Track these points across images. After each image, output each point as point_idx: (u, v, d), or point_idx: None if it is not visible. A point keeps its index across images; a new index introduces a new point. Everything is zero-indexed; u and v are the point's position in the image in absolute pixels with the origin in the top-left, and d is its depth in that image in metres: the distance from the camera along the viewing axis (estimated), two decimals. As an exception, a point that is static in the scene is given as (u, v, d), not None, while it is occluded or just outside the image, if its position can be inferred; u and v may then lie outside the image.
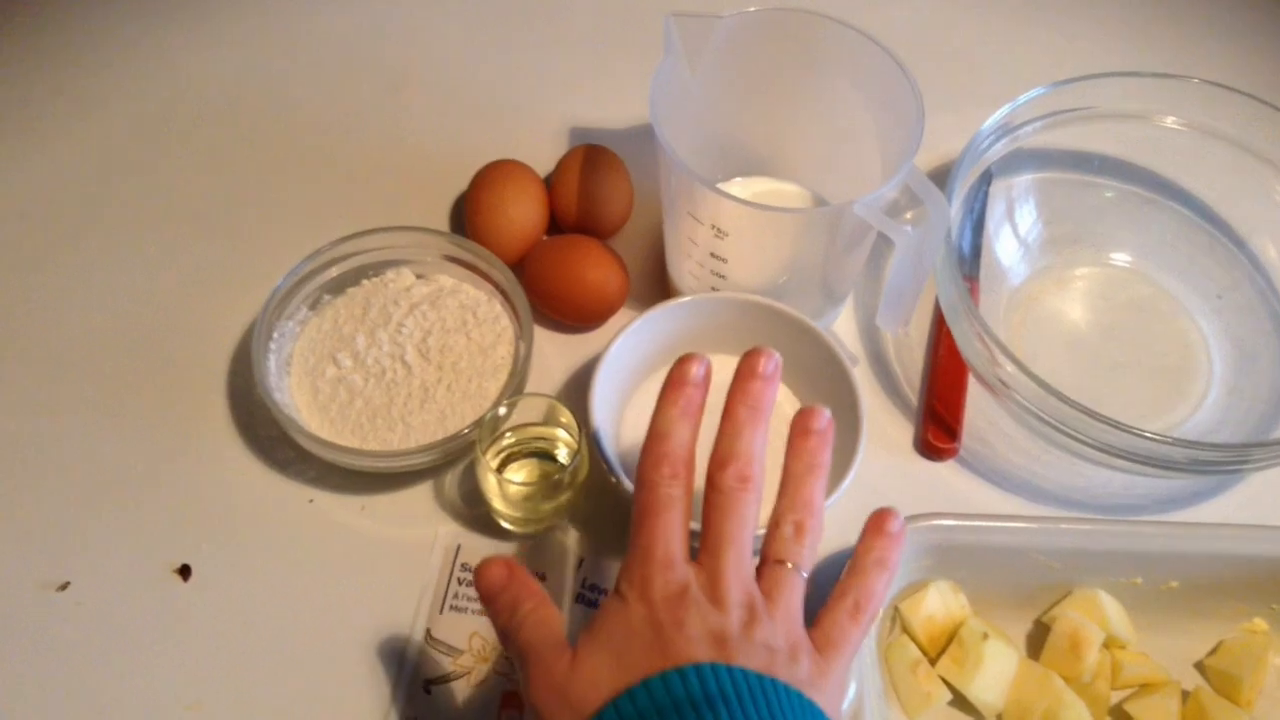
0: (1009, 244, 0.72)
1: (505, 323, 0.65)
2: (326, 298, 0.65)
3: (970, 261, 0.69)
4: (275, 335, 0.62)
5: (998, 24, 0.89)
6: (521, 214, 0.67)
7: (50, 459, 0.63)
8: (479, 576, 0.45)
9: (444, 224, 0.73)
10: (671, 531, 0.42)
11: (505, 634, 0.44)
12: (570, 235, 0.69)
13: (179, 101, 0.80)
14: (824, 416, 0.45)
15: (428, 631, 0.57)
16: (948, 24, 0.88)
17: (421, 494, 0.62)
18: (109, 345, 0.67)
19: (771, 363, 0.45)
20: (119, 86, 0.80)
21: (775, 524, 0.44)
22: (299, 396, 0.62)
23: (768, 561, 0.43)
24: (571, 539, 0.60)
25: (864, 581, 0.44)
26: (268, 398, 0.59)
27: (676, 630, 0.40)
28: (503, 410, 0.58)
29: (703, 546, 0.43)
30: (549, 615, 0.43)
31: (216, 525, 0.61)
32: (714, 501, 0.43)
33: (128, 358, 0.67)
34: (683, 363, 0.45)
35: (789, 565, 0.43)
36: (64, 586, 0.58)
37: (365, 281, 0.66)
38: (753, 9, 0.60)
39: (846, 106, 0.63)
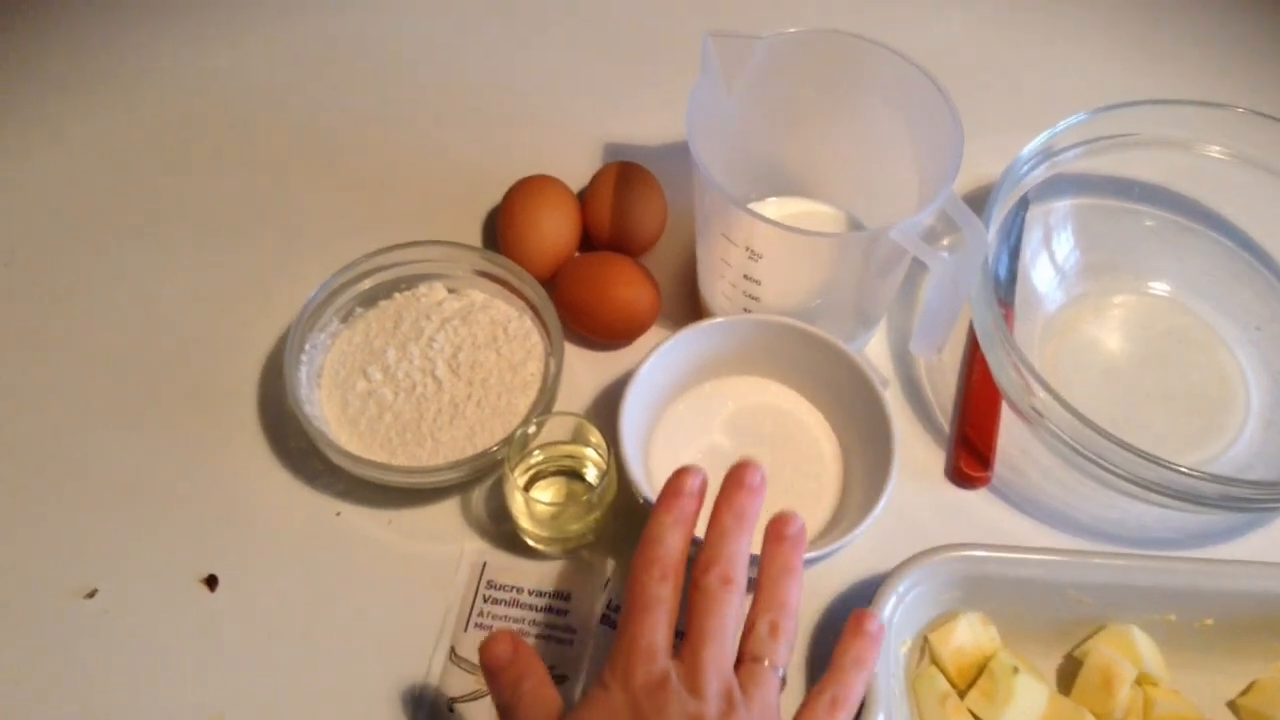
0: (1045, 271, 0.71)
1: (536, 339, 0.65)
2: (358, 310, 0.65)
3: (1005, 287, 0.68)
4: (307, 347, 0.62)
5: (1036, 47, 0.88)
6: (554, 229, 0.67)
7: (79, 465, 0.63)
8: (484, 651, 0.47)
9: (476, 238, 0.73)
10: (656, 626, 0.44)
11: (504, 709, 0.46)
12: (602, 252, 0.69)
13: (215, 109, 0.80)
14: (796, 523, 0.47)
15: (452, 649, 0.57)
16: (985, 46, 0.88)
17: (449, 510, 0.62)
18: (141, 355, 0.68)
19: (758, 475, 0.47)
20: (157, 93, 0.81)
21: (751, 624, 0.46)
22: (329, 409, 0.62)
23: (744, 660, 0.45)
24: (599, 559, 0.60)
25: (842, 679, 0.46)
26: (298, 410, 0.59)
27: (656, 716, 0.41)
28: (532, 428, 0.58)
29: (685, 641, 0.44)
30: (548, 695, 0.46)
31: (244, 536, 0.61)
32: (697, 600, 0.45)
33: (159, 367, 0.67)
34: (680, 475, 0.48)
35: (765, 663, 0.44)
36: (92, 594, 0.58)
37: (397, 295, 0.66)
38: (792, 30, 0.60)
39: (883, 129, 0.63)
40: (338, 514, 0.62)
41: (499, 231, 0.68)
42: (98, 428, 0.65)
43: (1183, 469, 0.54)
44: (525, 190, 0.68)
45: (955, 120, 0.57)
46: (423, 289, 0.67)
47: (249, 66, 0.83)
